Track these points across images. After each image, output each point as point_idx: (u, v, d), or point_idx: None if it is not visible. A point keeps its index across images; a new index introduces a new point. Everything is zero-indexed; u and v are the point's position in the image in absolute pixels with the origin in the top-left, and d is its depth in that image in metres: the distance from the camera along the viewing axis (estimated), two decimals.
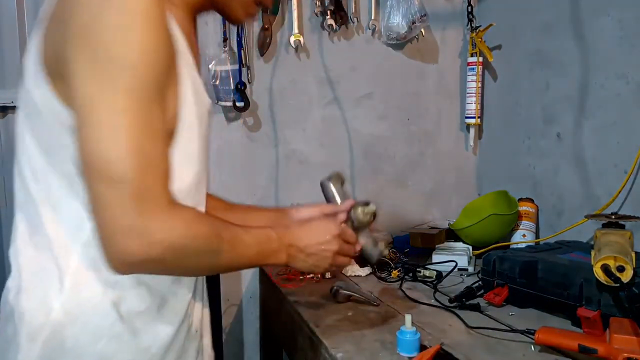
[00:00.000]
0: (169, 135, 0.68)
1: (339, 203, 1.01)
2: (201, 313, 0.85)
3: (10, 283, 0.72)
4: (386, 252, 1.00)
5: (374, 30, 1.75)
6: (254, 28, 1.63)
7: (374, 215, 0.99)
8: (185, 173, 0.72)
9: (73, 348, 0.68)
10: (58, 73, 0.63)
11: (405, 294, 1.27)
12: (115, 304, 0.69)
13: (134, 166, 0.60)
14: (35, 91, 0.66)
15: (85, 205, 0.66)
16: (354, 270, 1.45)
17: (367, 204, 0.98)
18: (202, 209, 0.81)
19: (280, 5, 1.61)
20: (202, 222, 0.69)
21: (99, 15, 0.59)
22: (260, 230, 0.80)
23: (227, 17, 0.83)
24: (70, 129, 0.64)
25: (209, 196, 1.01)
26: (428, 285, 1.32)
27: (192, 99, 0.70)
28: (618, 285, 0.92)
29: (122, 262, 0.63)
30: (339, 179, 1.03)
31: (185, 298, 0.78)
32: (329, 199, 1.02)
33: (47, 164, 0.68)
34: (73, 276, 0.68)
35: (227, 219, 0.98)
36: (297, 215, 1.02)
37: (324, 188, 1.03)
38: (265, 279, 1.55)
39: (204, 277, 0.87)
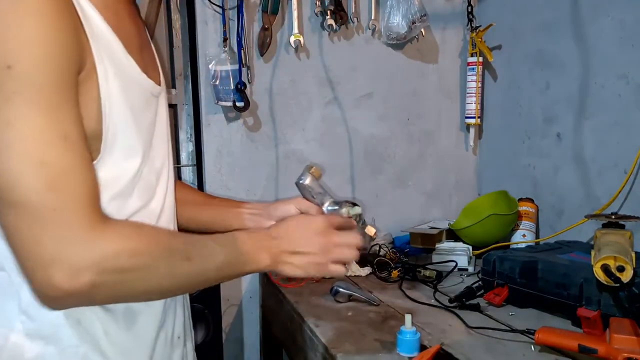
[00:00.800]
0: (95, 136, 0.60)
1: (318, 201, 0.93)
2: (182, 318, 0.82)
3: None
4: (373, 231, 0.94)
5: (374, 30, 1.75)
6: (254, 28, 1.63)
7: (360, 217, 0.95)
8: (126, 168, 0.65)
9: None
10: None
11: (405, 294, 1.27)
12: (79, 323, 0.64)
13: (37, 184, 0.51)
14: None
15: None
16: (354, 270, 1.45)
17: (353, 204, 0.93)
18: (158, 204, 0.73)
19: (280, 5, 1.61)
20: (140, 235, 0.59)
21: None
22: (227, 234, 0.69)
23: None
24: None
25: (187, 189, 0.99)
26: (428, 285, 1.32)
27: (118, 88, 0.62)
28: (618, 285, 0.92)
29: (50, 297, 0.54)
30: (315, 176, 0.95)
31: (158, 306, 0.73)
32: (307, 198, 0.95)
33: None
34: (30, 295, 0.60)
35: (202, 216, 0.93)
36: (274, 212, 0.93)
37: (300, 189, 0.96)
38: (265, 279, 1.55)
39: None
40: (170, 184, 0.77)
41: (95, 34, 0.59)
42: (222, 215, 0.96)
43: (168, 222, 0.77)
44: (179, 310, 0.80)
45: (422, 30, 1.76)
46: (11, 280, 0.62)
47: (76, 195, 0.54)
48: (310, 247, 0.74)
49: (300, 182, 0.94)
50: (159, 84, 0.73)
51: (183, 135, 1.74)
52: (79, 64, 0.57)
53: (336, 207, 0.92)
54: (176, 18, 1.68)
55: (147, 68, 0.69)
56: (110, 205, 0.63)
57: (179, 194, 0.84)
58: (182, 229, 0.87)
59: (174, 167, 0.82)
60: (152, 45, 0.79)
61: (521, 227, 1.58)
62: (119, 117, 0.62)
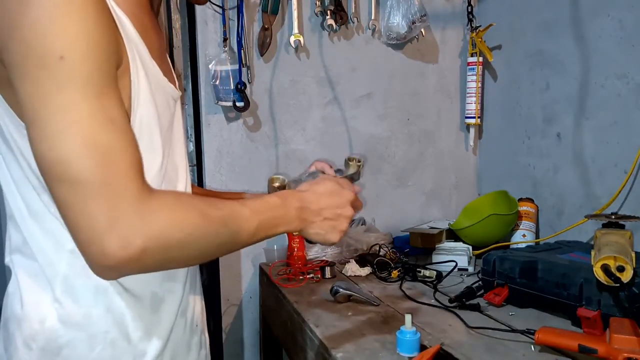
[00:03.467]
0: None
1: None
2: (200, 306, 0.86)
3: (10, 288, 0.72)
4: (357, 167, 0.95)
5: (374, 30, 1.75)
6: (254, 28, 1.63)
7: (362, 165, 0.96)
8: (149, 163, 0.68)
9: (69, 356, 0.68)
10: (7, 88, 0.60)
11: (405, 294, 1.27)
12: (109, 310, 0.69)
13: (90, 162, 0.55)
14: None
15: (54, 217, 0.65)
16: (354, 270, 1.45)
17: (348, 160, 0.95)
18: None
19: (280, 5, 1.61)
20: (183, 205, 0.63)
21: (20, 13, 0.55)
22: (259, 199, 0.73)
23: None
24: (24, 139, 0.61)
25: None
26: (428, 285, 1.32)
27: (146, 88, 0.67)
28: (618, 285, 0.92)
29: (104, 266, 0.57)
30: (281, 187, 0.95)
31: (180, 293, 0.78)
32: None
33: (22, 177, 0.66)
34: (63, 284, 0.67)
35: None
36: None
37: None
38: (265, 279, 1.55)
39: (197, 270, 0.86)
40: (188, 180, 0.82)
41: (128, 36, 0.64)
42: None
43: None
44: (198, 299, 0.85)
45: (422, 30, 1.76)
46: (44, 272, 0.67)
47: (125, 170, 0.58)
48: (334, 218, 0.80)
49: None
50: (177, 90, 0.79)
51: None
52: (117, 60, 0.62)
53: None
54: (176, 18, 1.68)
55: (166, 74, 0.74)
56: None
57: None
58: None
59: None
60: (168, 57, 0.84)
61: (521, 227, 1.58)
62: (145, 114, 0.67)
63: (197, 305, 0.84)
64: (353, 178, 0.95)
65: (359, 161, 0.95)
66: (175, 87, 0.77)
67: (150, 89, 0.68)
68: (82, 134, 0.56)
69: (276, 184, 0.94)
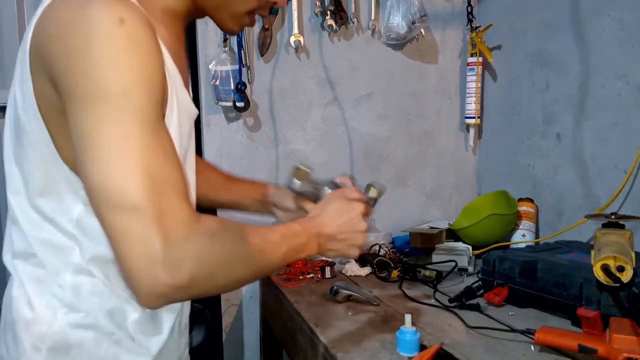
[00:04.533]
0: None
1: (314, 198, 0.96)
2: (188, 309, 0.88)
3: (15, 292, 0.72)
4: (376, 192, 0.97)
5: (374, 31, 1.75)
6: (254, 28, 1.63)
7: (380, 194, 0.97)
8: None
9: (78, 354, 0.70)
10: (51, 108, 0.63)
11: (405, 294, 1.27)
12: (114, 315, 0.72)
13: (145, 191, 0.58)
14: (31, 125, 0.65)
15: (70, 234, 0.68)
16: (354, 270, 1.45)
17: (370, 186, 0.97)
18: None
19: None
20: (227, 231, 0.66)
21: (84, 48, 0.57)
22: (284, 226, 0.78)
23: (220, 28, 0.81)
24: (52, 162, 0.65)
25: (210, 170, 1.09)
26: (428, 285, 1.32)
27: (177, 120, 0.70)
28: (618, 285, 0.92)
29: (154, 294, 0.58)
30: (302, 178, 0.96)
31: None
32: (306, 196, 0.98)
33: (26, 196, 0.68)
34: (70, 290, 0.70)
35: (229, 191, 1.04)
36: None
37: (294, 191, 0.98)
38: (265, 279, 1.55)
39: None
40: (194, 193, 0.84)
41: (169, 72, 0.67)
42: (242, 199, 1.05)
43: None
44: (188, 302, 0.87)
45: (422, 30, 1.76)
46: (52, 279, 0.70)
47: (177, 199, 0.61)
48: (349, 237, 0.84)
49: (291, 187, 0.96)
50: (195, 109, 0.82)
51: None
52: (164, 90, 0.65)
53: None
54: None
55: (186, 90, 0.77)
56: None
57: (200, 175, 0.89)
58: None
59: None
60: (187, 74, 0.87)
61: (521, 227, 1.58)
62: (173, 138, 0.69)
63: (185, 307, 0.86)
64: (369, 203, 0.95)
65: (380, 189, 0.96)
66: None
67: (179, 117, 0.70)
68: (140, 164, 0.58)
69: (300, 176, 0.94)
